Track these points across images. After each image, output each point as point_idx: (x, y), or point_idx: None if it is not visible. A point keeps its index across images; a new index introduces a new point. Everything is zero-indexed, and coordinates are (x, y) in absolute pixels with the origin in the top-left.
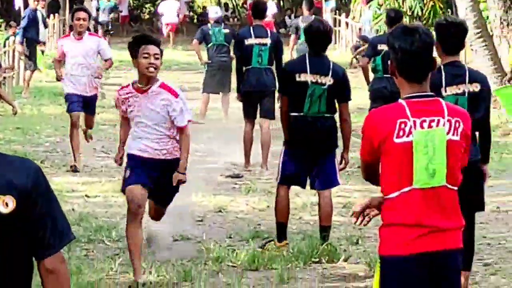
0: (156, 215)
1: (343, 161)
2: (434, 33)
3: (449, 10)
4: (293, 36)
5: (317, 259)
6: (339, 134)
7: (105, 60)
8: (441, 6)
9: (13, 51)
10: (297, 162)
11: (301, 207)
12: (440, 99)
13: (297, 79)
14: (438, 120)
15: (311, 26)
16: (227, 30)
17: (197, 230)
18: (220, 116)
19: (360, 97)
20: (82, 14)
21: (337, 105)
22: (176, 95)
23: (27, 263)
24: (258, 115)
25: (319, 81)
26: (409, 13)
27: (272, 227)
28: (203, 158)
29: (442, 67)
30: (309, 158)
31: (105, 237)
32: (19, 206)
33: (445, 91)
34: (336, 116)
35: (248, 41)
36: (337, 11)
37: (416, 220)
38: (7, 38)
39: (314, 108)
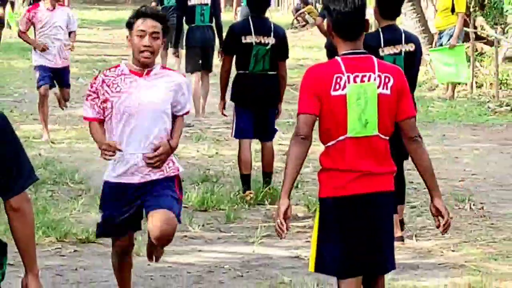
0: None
1: (278, 112)
2: None
3: None
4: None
5: (261, 201)
6: None
7: (70, 32)
8: None
9: None
10: (247, 117)
11: None
12: (372, 56)
13: (243, 41)
14: (370, 76)
15: None
16: None
17: None
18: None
19: (300, 54)
20: None
21: None
22: (183, 75)
23: None
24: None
25: (263, 41)
26: None
27: (220, 171)
28: None
29: (380, 29)
30: (255, 112)
31: (68, 180)
32: None
33: (383, 51)
34: None
35: (191, 2)
36: None
37: (351, 165)
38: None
39: (258, 67)
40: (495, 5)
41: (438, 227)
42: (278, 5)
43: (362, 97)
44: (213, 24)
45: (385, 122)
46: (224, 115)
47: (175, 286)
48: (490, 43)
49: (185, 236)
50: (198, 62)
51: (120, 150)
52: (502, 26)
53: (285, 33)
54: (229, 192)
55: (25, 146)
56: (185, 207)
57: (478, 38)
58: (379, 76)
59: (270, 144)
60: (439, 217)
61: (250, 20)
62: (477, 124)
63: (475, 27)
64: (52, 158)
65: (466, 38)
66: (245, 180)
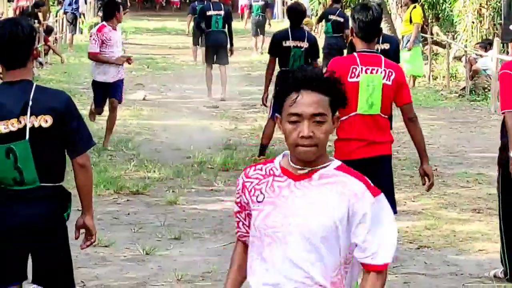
0: None
1: None
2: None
3: None
4: (247, 12)
5: None
6: None
7: None
8: None
9: (62, 20)
10: None
11: (258, 128)
12: (381, 56)
13: (284, 45)
14: (378, 69)
15: (292, 7)
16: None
17: (187, 143)
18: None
19: None
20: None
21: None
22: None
23: (62, 160)
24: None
25: (298, 45)
26: None
27: (238, 141)
28: (191, 95)
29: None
30: None
31: (123, 147)
32: (55, 123)
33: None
34: None
35: (208, 13)
36: None
37: (359, 135)
38: (58, 11)
39: (295, 65)
40: (447, 18)
41: (424, 184)
42: (283, 17)
43: (370, 85)
44: (226, 30)
45: (386, 105)
46: (265, 105)
47: (203, 226)
48: (443, 46)
49: (211, 189)
50: (212, 58)
51: None
52: (452, 33)
53: (316, 39)
54: (245, 156)
55: (91, 122)
56: (211, 167)
57: (434, 42)
58: (384, 70)
59: None
60: (426, 178)
61: (289, 29)
62: (433, 107)
63: (431, 34)
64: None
65: (424, 42)
66: (262, 148)
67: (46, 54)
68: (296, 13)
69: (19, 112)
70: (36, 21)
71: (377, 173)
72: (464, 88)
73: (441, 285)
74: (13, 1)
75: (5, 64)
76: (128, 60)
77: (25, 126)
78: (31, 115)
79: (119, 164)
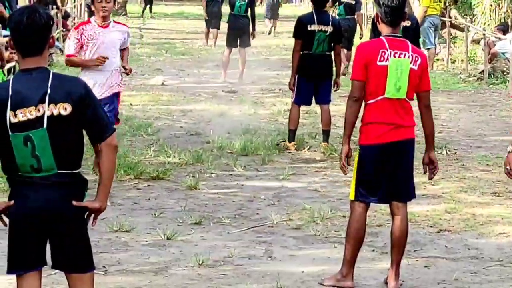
0: None
1: (336, 85)
2: None
3: None
4: None
5: (288, 148)
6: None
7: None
8: None
9: (80, 5)
10: (307, 86)
11: (277, 113)
12: (407, 40)
13: (308, 28)
14: (405, 54)
15: None
16: None
17: (206, 128)
18: (222, 50)
19: None
20: None
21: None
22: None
23: (79, 147)
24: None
25: (323, 29)
26: None
27: (257, 126)
28: (209, 79)
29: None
30: (314, 82)
31: (143, 132)
32: (74, 110)
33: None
34: None
35: None
36: None
37: (386, 119)
38: None
39: (319, 48)
40: (465, 1)
41: (425, 172)
42: (301, 1)
43: (399, 69)
44: (249, 14)
45: (411, 90)
46: (292, 89)
47: (223, 211)
48: (461, 29)
49: (231, 174)
50: (234, 41)
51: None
52: (471, 16)
53: (340, 23)
54: (264, 141)
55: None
56: (230, 152)
57: (452, 25)
58: (411, 55)
59: (327, 107)
60: (429, 166)
61: (313, 12)
62: (452, 90)
63: (450, 17)
64: (131, 116)
65: (443, 25)
66: (292, 133)
67: (64, 40)
68: None
69: (37, 100)
70: (54, 6)
71: (404, 156)
72: (482, 71)
73: (462, 268)
74: None
75: (21, 51)
76: (102, 60)
77: (43, 114)
78: (50, 103)
79: (139, 150)
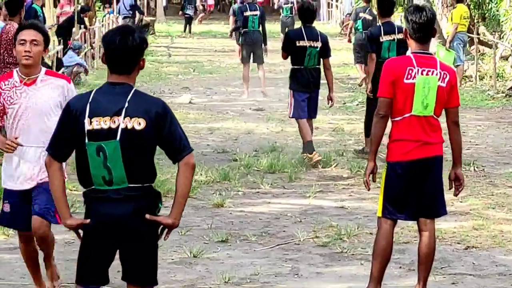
0: None
1: (331, 100)
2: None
3: None
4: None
5: (315, 165)
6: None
7: None
8: None
9: (108, 24)
10: (302, 100)
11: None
12: (435, 57)
13: (297, 44)
14: (433, 71)
15: (303, 6)
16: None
17: (233, 146)
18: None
19: (344, 56)
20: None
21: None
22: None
23: (151, 162)
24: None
25: (313, 45)
26: None
27: (284, 143)
28: (237, 97)
29: (381, 24)
30: (307, 96)
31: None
32: (149, 126)
33: (382, 38)
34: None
35: (246, 13)
36: None
37: (413, 136)
38: (104, 15)
39: (311, 63)
40: (494, 17)
41: (450, 188)
42: (329, 19)
43: (426, 86)
44: (261, 29)
45: (439, 107)
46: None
47: (250, 228)
48: (490, 46)
49: (258, 192)
50: (248, 56)
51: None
52: (499, 33)
53: (327, 38)
54: (291, 159)
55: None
56: (257, 170)
57: (481, 42)
58: (440, 72)
59: (311, 121)
60: (455, 182)
61: (302, 28)
62: (480, 107)
63: (478, 34)
64: None
65: (471, 42)
66: (309, 144)
67: (93, 58)
68: (307, 12)
69: (114, 111)
70: (82, 26)
71: (432, 173)
72: (511, 88)
73: (489, 285)
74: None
75: (110, 67)
76: (11, 147)
77: (118, 126)
78: (125, 116)
79: (166, 168)
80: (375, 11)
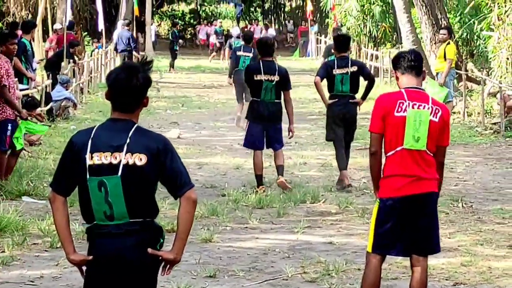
0: None
1: (291, 132)
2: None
3: (395, 33)
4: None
5: (304, 201)
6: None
7: None
8: (390, 30)
9: (97, 59)
10: (257, 133)
11: (292, 166)
12: (427, 93)
13: (255, 78)
14: (425, 105)
15: (261, 40)
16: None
17: (221, 181)
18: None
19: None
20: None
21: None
22: None
23: (152, 198)
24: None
25: (270, 78)
26: (368, 34)
27: (272, 178)
28: (225, 133)
29: (335, 58)
30: (263, 128)
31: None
32: (150, 162)
33: (336, 72)
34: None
35: (238, 53)
36: (319, 33)
37: (406, 171)
38: (93, 50)
39: (267, 96)
40: (482, 54)
41: None
42: (317, 55)
43: (417, 120)
44: None
45: (432, 142)
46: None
47: (238, 263)
48: (478, 82)
49: (246, 227)
50: (242, 95)
51: None
52: (487, 69)
53: (287, 71)
54: (279, 194)
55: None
56: (245, 205)
57: (469, 79)
58: (431, 107)
59: (280, 151)
60: None
61: (261, 62)
62: (468, 143)
63: (466, 70)
64: None
65: (459, 79)
66: (259, 178)
67: (82, 92)
68: (265, 46)
69: (115, 147)
70: (71, 60)
71: (425, 209)
72: (495, 123)
73: None
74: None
75: (113, 105)
76: None
77: (119, 162)
78: (127, 152)
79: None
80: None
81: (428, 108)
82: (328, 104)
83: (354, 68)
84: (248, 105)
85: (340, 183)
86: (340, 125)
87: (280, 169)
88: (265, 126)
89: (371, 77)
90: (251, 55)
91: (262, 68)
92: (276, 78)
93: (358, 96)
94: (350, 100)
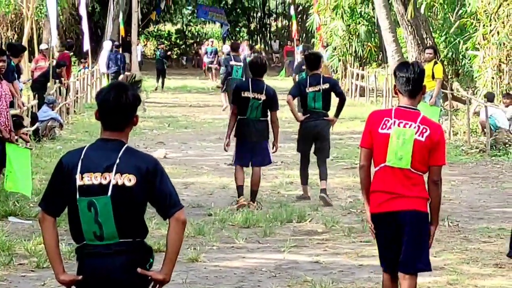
0: None
1: (275, 147)
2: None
3: (381, 52)
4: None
5: (290, 220)
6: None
7: None
8: (375, 49)
9: (83, 79)
10: (244, 149)
11: (279, 185)
12: (421, 112)
13: (243, 95)
14: (411, 124)
15: (253, 61)
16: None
17: (208, 200)
18: (225, 123)
19: None
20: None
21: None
22: None
23: (142, 218)
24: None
25: (257, 97)
26: (353, 54)
27: (258, 198)
28: (212, 152)
29: (308, 76)
30: (250, 146)
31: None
32: (139, 182)
33: (308, 89)
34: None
35: (231, 63)
36: (305, 52)
37: (386, 188)
38: (79, 70)
39: (253, 114)
40: (467, 73)
41: None
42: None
43: (401, 138)
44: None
45: (417, 161)
46: (225, 150)
47: (225, 283)
48: (463, 102)
49: (232, 246)
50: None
51: None
52: (472, 89)
53: (275, 91)
54: (266, 213)
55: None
56: (232, 225)
57: (454, 98)
58: (418, 126)
59: (258, 170)
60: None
61: (249, 80)
62: (454, 162)
63: (451, 90)
64: None
65: (445, 98)
66: (240, 189)
67: (68, 113)
68: (257, 67)
69: (105, 167)
70: (57, 80)
71: (405, 228)
72: (481, 142)
73: None
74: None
75: (103, 124)
76: None
77: (109, 182)
78: (116, 172)
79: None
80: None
81: (414, 127)
82: (301, 120)
83: (326, 86)
84: (236, 124)
85: (302, 197)
86: (309, 142)
87: (253, 194)
88: (251, 144)
89: (342, 97)
90: (241, 64)
91: (250, 86)
92: (263, 97)
93: (331, 113)
94: (324, 118)
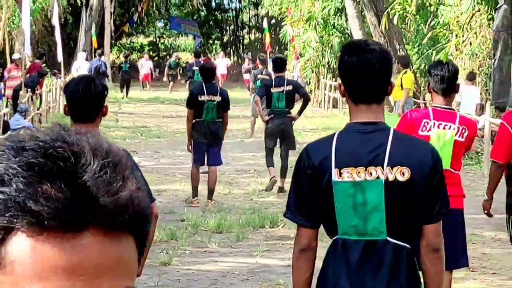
0: None
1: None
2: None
3: None
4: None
5: (263, 226)
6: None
7: None
8: None
9: (55, 89)
10: (200, 150)
11: (252, 192)
12: (456, 112)
13: (199, 98)
14: (450, 126)
15: (204, 66)
16: None
17: (180, 207)
18: None
19: None
20: None
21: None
22: None
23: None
24: None
25: (212, 99)
26: (327, 65)
27: (231, 204)
28: (184, 161)
29: (273, 78)
30: (205, 147)
31: None
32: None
33: (273, 90)
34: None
35: (194, 67)
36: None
37: None
38: (52, 81)
39: (209, 116)
40: None
41: None
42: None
43: (441, 139)
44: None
45: (456, 161)
46: (189, 151)
47: (197, 286)
48: None
49: (205, 251)
50: None
51: None
52: None
53: (227, 93)
54: (238, 219)
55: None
56: (204, 230)
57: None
58: (458, 127)
59: (215, 169)
60: None
61: (203, 85)
62: None
63: (424, 100)
64: None
65: (417, 108)
66: (194, 190)
67: (40, 122)
68: (208, 71)
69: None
70: (29, 90)
71: (447, 225)
72: None
73: None
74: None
75: (73, 117)
76: None
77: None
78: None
79: None
80: (270, 70)
81: (454, 128)
82: (266, 119)
83: (289, 87)
84: (193, 125)
85: (271, 182)
86: (274, 139)
87: (210, 193)
88: (207, 144)
89: (306, 97)
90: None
91: (205, 90)
92: (217, 98)
93: (294, 112)
94: (287, 115)
